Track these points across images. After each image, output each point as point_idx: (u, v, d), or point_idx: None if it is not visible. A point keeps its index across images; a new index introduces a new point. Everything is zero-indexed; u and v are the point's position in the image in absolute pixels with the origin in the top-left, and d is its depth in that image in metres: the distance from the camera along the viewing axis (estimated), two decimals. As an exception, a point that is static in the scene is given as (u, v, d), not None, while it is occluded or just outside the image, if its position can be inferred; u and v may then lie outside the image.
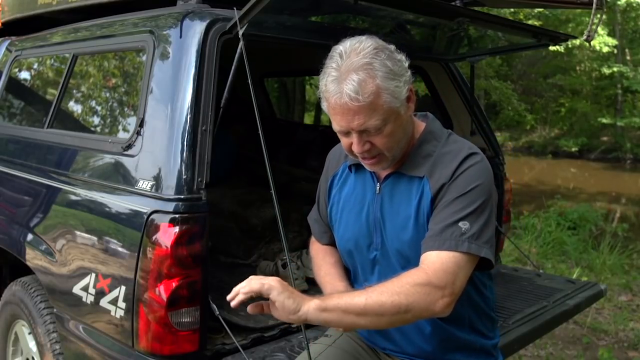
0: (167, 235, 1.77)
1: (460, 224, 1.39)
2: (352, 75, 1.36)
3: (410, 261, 1.47)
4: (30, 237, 2.39)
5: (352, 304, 1.32)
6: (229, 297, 1.35)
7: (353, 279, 1.69)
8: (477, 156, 1.48)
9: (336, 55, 1.41)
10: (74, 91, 2.63)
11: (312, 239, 1.85)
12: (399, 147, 1.48)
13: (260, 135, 1.71)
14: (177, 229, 1.77)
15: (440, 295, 1.34)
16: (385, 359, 1.67)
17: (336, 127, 1.44)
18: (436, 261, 1.38)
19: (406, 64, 1.45)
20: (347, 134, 1.44)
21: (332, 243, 1.77)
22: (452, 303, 1.37)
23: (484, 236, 1.41)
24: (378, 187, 1.56)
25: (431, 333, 1.54)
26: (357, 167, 1.63)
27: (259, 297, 1.37)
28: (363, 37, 1.43)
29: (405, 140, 1.49)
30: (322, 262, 1.73)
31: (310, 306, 1.32)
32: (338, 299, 1.34)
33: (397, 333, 1.58)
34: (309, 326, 2.08)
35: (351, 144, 1.45)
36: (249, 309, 1.38)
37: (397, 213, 1.52)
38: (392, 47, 1.45)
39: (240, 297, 1.34)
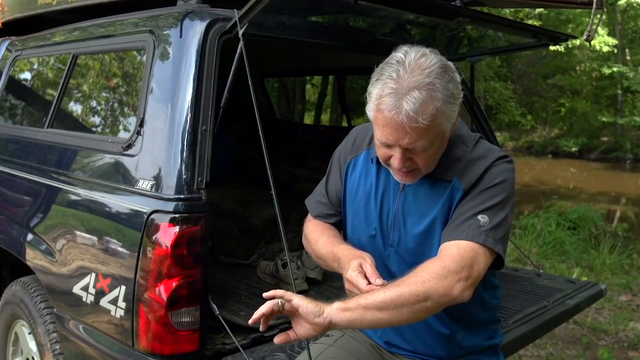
0: (167, 235, 1.77)
1: (479, 217, 1.41)
2: (414, 92, 1.31)
3: (421, 255, 1.48)
4: (30, 237, 2.39)
5: (372, 299, 1.32)
6: (251, 322, 1.32)
7: None
8: (506, 159, 1.51)
9: (397, 65, 1.35)
10: (74, 91, 2.63)
11: (308, 217, 1.79)
12: (435, 164, 1.47)
13: (261, 135, 1.71)
14: (177, 228, 1.77)
15: (457, 279, 1.34)
16: (389, 358, 1.68)
17: (381, 138, 1.40)
18: (452, 249, 1.39)
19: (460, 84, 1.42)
20: (389, 146, 1.41)
21: (336, 225, 1.74)
22: (469, 288, 1.37)
23: (499, 232, 1.42)
24: (402, 185, 1.54)
25: (441, 331, 1.56)
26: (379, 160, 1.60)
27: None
28: (427, 51, 1.38)
29: (440, 154, 1.48)
30: (321, 234, 1.68)
31: (332, 308, 1.32)
32: (358, 298, 1.34)
33: (408, 331, 1.59)
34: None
35: (390, 156, 1.43)
36: (276, 340, 1.37)
37: (421, 213, 1.51)
38: (453, 65, 1.41)
39: (263, 309, 1.30)
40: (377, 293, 1.33)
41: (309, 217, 1.79)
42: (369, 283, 1.40)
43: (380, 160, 1.50)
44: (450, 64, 1.41)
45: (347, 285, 1.47)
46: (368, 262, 1.45)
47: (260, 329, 1.32)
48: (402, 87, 1.32)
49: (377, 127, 1.41)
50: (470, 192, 1.46)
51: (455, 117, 1.42)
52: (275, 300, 1.30)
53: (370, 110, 1.41)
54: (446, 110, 1.35)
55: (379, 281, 1.40)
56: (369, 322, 1.35)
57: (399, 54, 1.38)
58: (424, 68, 1.33)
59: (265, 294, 1.33)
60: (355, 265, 1.45)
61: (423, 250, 1.51)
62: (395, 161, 1.41)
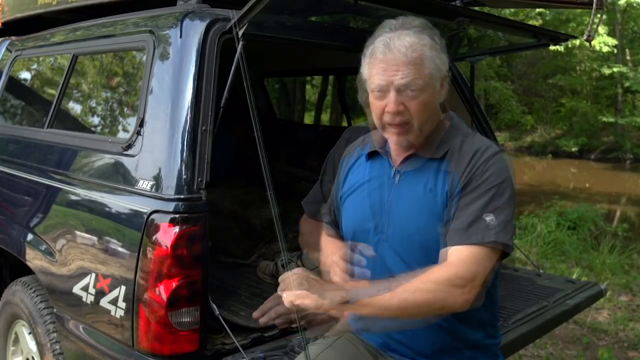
0: (167, 235, 1.77)
1: (486, 217, 1.43)
2: (404, 36, 1.45)
3: (414, 247, 1.49)
4: (30, 237, 2.39)
5: (382, 303, 1.35)
6: (256, 314, 1.35)
7: None
8: (504, 154, 1.54)
9: (388, 25, 1.49)
10: (74, 91, 2.63)
11: (304, 216, 1.84)
12: (427, 125, 1.50)
13: (260, 136, 1.71)
14: (177, 228, 1.77)
15: (471, 286, 1.37)
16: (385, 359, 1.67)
17: (375, 82, 1.47)
18: (461, 255, 1.40)
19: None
20: (383, 94, 1.46)
21: (331, 223, 1.77)
22: (481, 293, 1.40)
23: (507, 230, 1.44)
24: (397, 178, 1.57)
25: (441, 329, 1.56)
26: (372, 155, 1.64)
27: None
28: (413, 17, 1.53)
29: (432, 123, 1.53)
30: (316, 234, 1.73)
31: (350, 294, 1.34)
32: (369, 301, 1.36)
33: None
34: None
35: (385, 106, 1.47)
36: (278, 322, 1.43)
37: (418, 207, 1.52)
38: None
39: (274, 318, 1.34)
40: (385, 298, 1.34)
41: (304, 216, 1.84)
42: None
43: (375, 120, 1.52)
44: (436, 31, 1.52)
45: (322, 266, 1.54)
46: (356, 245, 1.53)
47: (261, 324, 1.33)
48: (393, 35, 1.46)
49: (372, 76, 1.47)
50: (470, 185, 1.47)
51: (443, 74, 1.49)
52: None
53: (364, 66, 1.50)
54: (432, 56, 1.46)
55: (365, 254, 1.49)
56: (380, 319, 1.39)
57: (389, 20, 1.51)
58: (411, 24, 1.49)
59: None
60: (342, 253, 1.53)
61: (420, 243, 1.51)
62: (390, 105, 1.45)
